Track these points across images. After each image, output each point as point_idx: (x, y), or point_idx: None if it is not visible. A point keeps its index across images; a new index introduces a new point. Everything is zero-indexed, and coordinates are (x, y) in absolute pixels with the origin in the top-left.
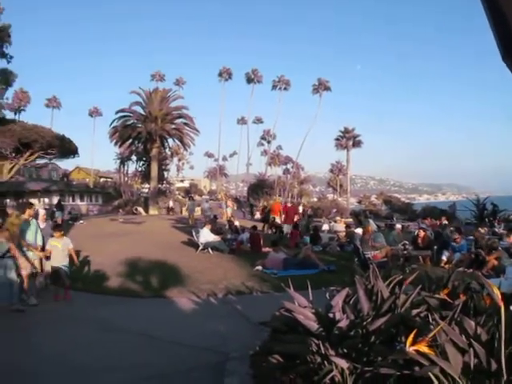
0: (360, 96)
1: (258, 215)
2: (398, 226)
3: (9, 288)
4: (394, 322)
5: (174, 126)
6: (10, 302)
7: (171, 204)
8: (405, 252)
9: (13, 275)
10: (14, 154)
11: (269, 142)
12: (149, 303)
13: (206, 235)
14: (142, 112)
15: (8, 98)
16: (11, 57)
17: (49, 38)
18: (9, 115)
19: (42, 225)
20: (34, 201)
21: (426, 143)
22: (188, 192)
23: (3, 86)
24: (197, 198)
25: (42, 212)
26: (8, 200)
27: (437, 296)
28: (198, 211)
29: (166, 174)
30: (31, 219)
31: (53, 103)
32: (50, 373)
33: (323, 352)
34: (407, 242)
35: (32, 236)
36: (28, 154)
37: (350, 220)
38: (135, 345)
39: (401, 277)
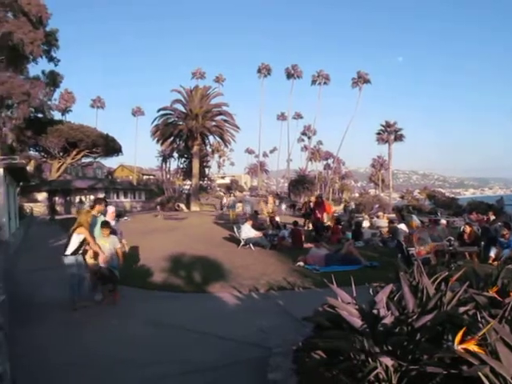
0: (402, 88)
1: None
2: (443, 221)
3: (79, 284)
4: (440, 320)
5: (214, 123)
6: (80, 298)
7: (225, 200)
8: (450, 248)
9: (84, 271)
10: (61, 154)
11: (309, 138)
12: (192, 298)
13: (247, 231)
14: (182, 110)
15: (56, 99)
16: (58, 60)
17: (91, 37)
18: (56, 116)
19: (112, 222)
20: (80, 198)
21: (471, 136)
22: (229, 188)
23: (51, 88)
24: (238, 194)
25: (111, 209)
26: (57, 197)
27: (485, 294)
28: (239, 207)
29: (207, 170)
30: (100, 215)
31: (97, 103)
32: (101, 366)
33: (367, 349)
34: (452, 238)
35: (98, 233)
36: (74, 153)
37: (393, 215)
38: (179, 339)
39: (446, 273)
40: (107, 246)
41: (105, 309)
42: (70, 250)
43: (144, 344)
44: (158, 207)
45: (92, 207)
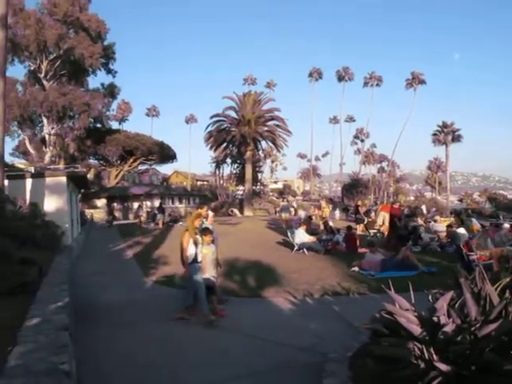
0: (459, 87)
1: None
2: (506, 225)
3: (194, 294)
4: (505, 329)
5: (266, 129)
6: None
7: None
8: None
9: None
10: (119, 162)
11: (362, 141)
12: (247, 302)
13: (301, 236)
14: (235, 116)
15: (113, 109)
16: (116, 72)
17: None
18: (114, 125)
19: (211, 227)
20: (136, 204)
21: None
22: (282, 193)
23: (109, 99)
24: (290, 198)
25: (211, 214)
26: (115, 204)
27: None
28: (291, 211)
29: (259, 175)
30: (203, 220)
31: (152, 112)
32: (164, 367)
33: (427, 357)
34: None
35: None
36: (131, 160)
37: (451, 219)
38: (235, 342)
39: (511, 280)
40: (209, 255)
41: (163, 312)
42: (190, 257)
43: (200, 347)
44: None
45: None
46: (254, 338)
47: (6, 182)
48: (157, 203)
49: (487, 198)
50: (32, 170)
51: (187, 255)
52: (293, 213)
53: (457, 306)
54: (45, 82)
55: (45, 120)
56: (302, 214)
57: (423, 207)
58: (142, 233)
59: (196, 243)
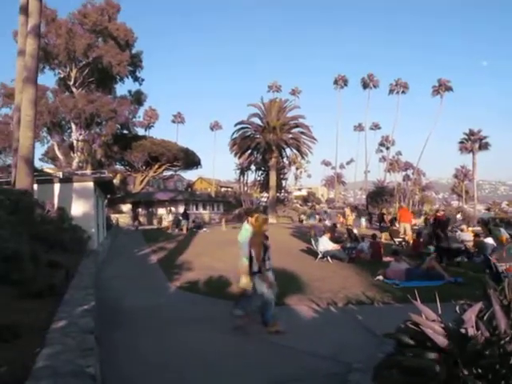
0: (488, 94)
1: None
2: None
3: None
4: None
5: (291, 136)
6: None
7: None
8: None
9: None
10: (144, 167)
11: (387, 148)
12: None
13: (325, 244)
14: (259, 123)
15: (140, 116)
16: (143, 79)
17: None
18: (140, 132)
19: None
20: (161, 210)
21: None
22: (306, 200)
23: (136, 106)
24: (318, 206)
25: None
26: (140, 209)
27: None
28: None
29: (284, 182)
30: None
31: (178, 119)
32: (180, 369)
33: (454, 370)
34: None
35: None
36: (156, 166)
37: (478, 228)
38: (257, 350)
39: None
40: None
41: (186, 318)
42: (255, 267)
43: (222, 353)
44: (218, 220)
45: (245, 219)
46: (277, 345)
47: (36, 186)
48: (181, 209)
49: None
50: (60, 175)
51: (258, 262)
52: (317, 220)
53: (485, 318)
54: (74, 89)
55: (73, 126)
56: (326, 221)
57: (459, 216)
58: (166, 238)
59: (266, 249)
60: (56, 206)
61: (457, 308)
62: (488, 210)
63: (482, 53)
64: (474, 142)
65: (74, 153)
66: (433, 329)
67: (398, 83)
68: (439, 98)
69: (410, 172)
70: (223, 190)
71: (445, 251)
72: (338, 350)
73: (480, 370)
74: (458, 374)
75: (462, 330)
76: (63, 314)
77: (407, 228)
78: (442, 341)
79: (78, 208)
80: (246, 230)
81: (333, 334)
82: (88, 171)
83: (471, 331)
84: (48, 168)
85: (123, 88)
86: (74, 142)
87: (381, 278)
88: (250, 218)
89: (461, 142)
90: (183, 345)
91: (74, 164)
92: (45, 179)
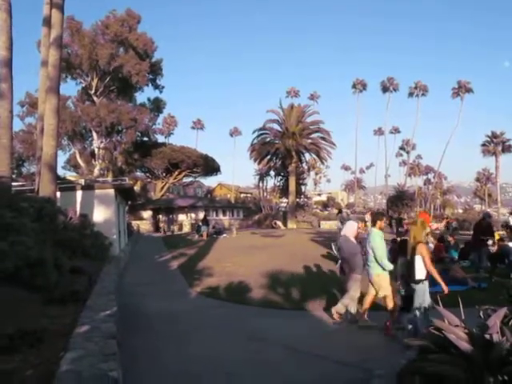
0: (510, 96)
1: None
2: None
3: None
4: None
5: (310, 141)
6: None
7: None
8: None
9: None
10: (164, 174)
11: (408, 152)
12: (290, 315)
13: None
14: (278, 129)
15: (159, 123)
16: (163, 87)
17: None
18: (160, 139)
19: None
20: (182, 216)
21: None
22: (326, 205)
23: (155, 113)
24: (334, 211)
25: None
26: (161, 215)
27: None
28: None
29: (303, 188)
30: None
31: (197, 125)
32: (202, 374)
33: (478, 376)
34: None
35: (384, 251)
36: (176, 173)
37: (502, 233)
38: (278, 356)
39: None
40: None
41: (206, 323)
42: (420, 273)
43: (242, 359)
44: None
45: (373, 223)
46: (297, 351)
47: (58, 193)
48: (201, 215)
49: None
50: (82, 182)
51: (431, 269)
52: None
53: (510, 323)
54: (95, 98)
55: (94, 134)
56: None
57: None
58: (187, 244)
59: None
60: (78, 212)
61: (481, 313)
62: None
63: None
64: (496, 145)
65: (95, 160)
66: (456, 334)
67: (418, 86)
68: (459, 100)
69: (430, 176)
70: (243, 195)
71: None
72: (359, 356)
73: (506, 377)
74: (482, 380)
75: (487, 336)
76: (86, 320)
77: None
78: (465, 346)
79: (100, 215)
80: (378, 234)
81: (354, 339)
82: (109, 178)
83: (496, 337)
84: (70, 176)
85: (143, 95)
86: (96, 149)
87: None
88: (378, 222)
89: (483, 145)
90: (203, 351)
91: (96, 171)
92: (67, 187)
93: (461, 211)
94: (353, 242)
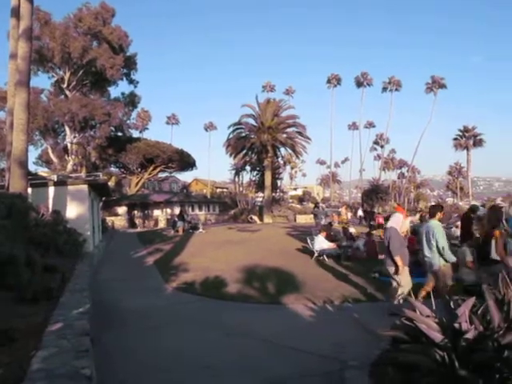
0: (481, 91)
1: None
2: None
3: None
4: None
5: (286, 136)
6: None
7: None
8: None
9: None
10: (139, 169)
11: (382, 147)
12: (267, 309)
13: (320, 242)
14: (254, 123)
15: (134, 118)
16: (137, 82)
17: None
18: (135, 134)
19: None
20: (157, 212)
21: None
22: (301, 200)
23: (130, 108)
24: (310, 205)
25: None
26: (136, 211)
27: None
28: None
29: (279, 182)
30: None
31: (172, 120)
32: (178, 369)
33: (449, 364)
34: None
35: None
36: (151, 168)
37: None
38: (254, 349)
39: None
40: None
41: (182, 316)
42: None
43: (219, 353)
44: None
45: (433, 215)
46: (274, 344)
47: (30, 190)
48: (177, 211)
49: (511, 203)
50: (54, 178)
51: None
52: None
53: (479, 312)
54: (67, 92)
55: (67, 129)
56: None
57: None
58: (162, 240)
59: None
60: (51, 209)
61: (451, 303)
62: (483, 206)
63: (475, 49)
64: (468, 139)
65: (68, 156)
66: (427, 324)
67: (392, 81)
68: (433, 95)
69: (404, 170)
70: (219, 190)
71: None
72: (334, 348)
73: (474, 364)
74: (452, 368)
75: (456, 325)
76: (59, 317)
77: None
78: (436, 336)
79: (73, 211)
80: (440, 226)
81: (330, 332)
82: (82, 174)
83: (465, 326)
84: (42, 171)
85: (117, 90)
86: (68, 144)
87: (377, 275)
88: (438, 214)
89: (455, 139)
90: (178, 346)
91: (69, 167)
92: (39, 183)
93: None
94: (400, 234)
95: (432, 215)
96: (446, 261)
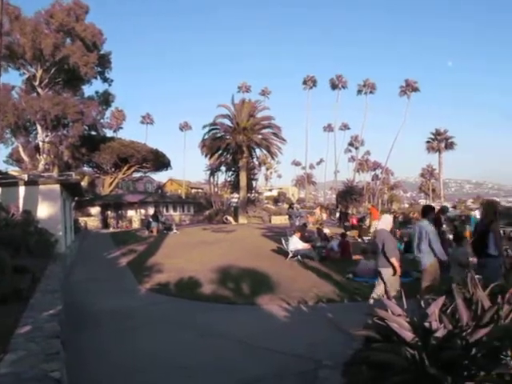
0: (453, 94)
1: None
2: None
3: None
4: (497, 334)
5: (261, 137)
6: None
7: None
8: (507, 259)
9: None
10: (113, 169)
11: (356, 148)
12: (241, 310)
13: (295, 243)
14: (229, 124)
15: (108, 117)
16: (112, 80)
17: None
18: (108, 133)
19: None
20: (131, 212)
21: None
22: (277, 201)
23: (104, 107)
24: (285, 206)
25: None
26: (109, 211)
27: None
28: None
29: (254, 183)
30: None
31: (147, 120)
32: (153, 370)
33: (419, 363)
34: (510, 249)
35: None
36: (126, 168)
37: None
38: (229, 350)
39: (503, 286)
40: None
41: (156, 318)
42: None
43: (194, 354)
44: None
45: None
46: (249, 345)
47: (0, 189)
48: (151, 211)
49: (480, 204)
50: (25, 177)
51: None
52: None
53: (449, 311)
54: (40, 90)
55: (39, 127)
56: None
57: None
58: (136, 240)
59: None
60: (21, 209)
61: (422, 303)
62: (454, 207)
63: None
64: (440, 142)
65: (40, 155)
66: (398, 323)
67: (366, 84)
68: (406, 98)
69: (378, 171)
70: (194, 191)
71: None
72: (308, 348)
73: (443, 362)
74: (422, 365)
75: (426, 324)
76: (28, 319)
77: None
78: (407, 335)
79: (45, 211)
80: (430, 225)
81: (304, 332)
82: (54, 173)
83: (435, 324)
84: (13, 170)
85: (91, 89)
86: (40, 143)
87: (351, 276)
88: (431, 214)
89: (428, 142)
90: (153, 347)
91: (40, 166)
92: (9, 182)
93: (407, 205)
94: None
95: (424, 215)
96: (435, 260)
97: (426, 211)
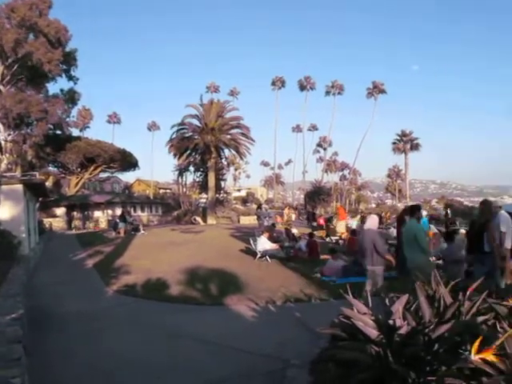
0: (419, 97)
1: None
2: (462, 230)
3: None
4: (458, 330)
5: (229, 137)
6: None
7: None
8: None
9: None
10: (79, 169)
11: (325, 149)
12: (209, 310)
13: (263, 243)
14: (197, 124)
15: (74, 116)
16: (77, 78)
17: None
18: (75, 132)
19: None
20: (98, 213)
21: (491, 144)
22: (245, 201)
23: (69, 105)
24: (253, 206)
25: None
26: (75, 212)
27: (505, 303)
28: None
29: (223, 183)
30: None
31: (113, 119)
32: (121, 372)
33: (384, 359)
34: None
35: None
36: (92, 168)
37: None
38: (197, 351)
39: (464, 283)
40: None
41: (123, 319)
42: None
43: (161, 355)
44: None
45: (412, 214)
46: (217, 345)
47: None
48: (118, 212)
49: (444, 204)
50: None
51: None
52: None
53: (412, 308)
54: (1, 87)
55: (0, 126)
56: (264, 221)
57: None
58: (103, 242)
59: None
60: None
61: (387, 301)
62: None
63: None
64: (405, 143)
65: (2, 154)
66: (363, 321)
67: (335, 85)
68: (373, 100)
69: (346, 172)
70: (162, 191)
71: None
72: (276, 348)
73: (407, 358)
74: (387, 362)
75: (391, 321)
76: None
77: (343, 226)
78: (372, 332)
79: (7, 212)
80: (418, 224)
81: (272, 332)
82: (17, 173)
83: (399, 322)
84: None
85: (56, 86)
86: (2, 142)
87: (318, 275)
88: (417, 213)
89: (394, 143)
90: (120, 348)
91: (3, 166)
92: None
93: (374, 206)
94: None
95: (412, 215)
96: (426, 258)
97: (414, 211)
